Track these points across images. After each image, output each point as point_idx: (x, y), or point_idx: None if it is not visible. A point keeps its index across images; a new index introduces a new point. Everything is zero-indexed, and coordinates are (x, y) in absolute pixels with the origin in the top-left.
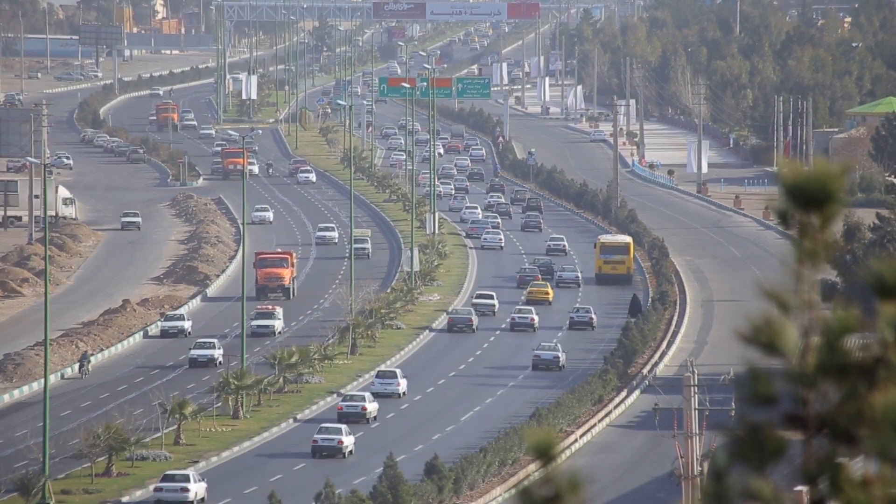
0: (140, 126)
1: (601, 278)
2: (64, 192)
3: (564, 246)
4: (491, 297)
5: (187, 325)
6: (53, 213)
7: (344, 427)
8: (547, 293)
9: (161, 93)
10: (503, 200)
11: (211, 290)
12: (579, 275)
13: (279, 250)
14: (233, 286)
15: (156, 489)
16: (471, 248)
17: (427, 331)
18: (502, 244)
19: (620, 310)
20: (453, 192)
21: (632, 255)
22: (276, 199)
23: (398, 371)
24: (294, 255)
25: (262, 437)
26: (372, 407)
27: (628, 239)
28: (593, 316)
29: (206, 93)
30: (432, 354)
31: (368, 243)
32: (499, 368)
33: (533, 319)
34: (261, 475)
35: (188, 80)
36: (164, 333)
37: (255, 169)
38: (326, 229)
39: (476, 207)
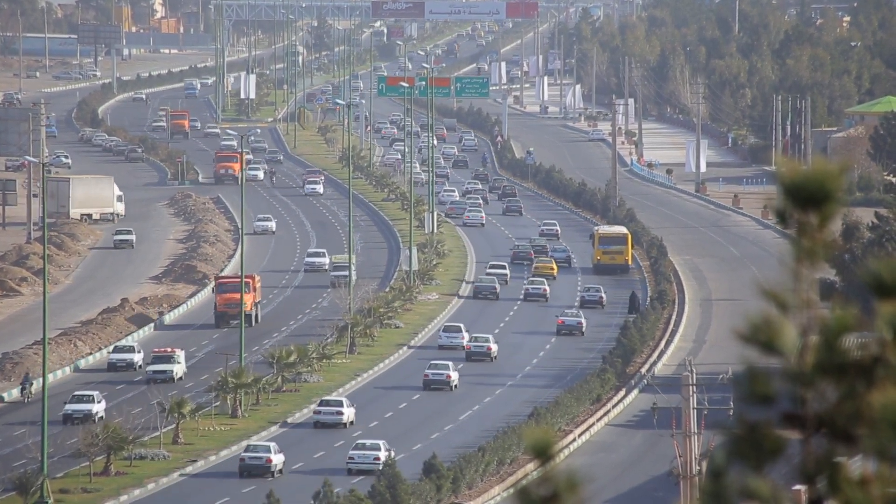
0: (139, 125)
1: (599, 268)
2: (116, 189)
3: (557, 231)
4: (504, 266)
5: (138, 357)
6: (111, 211)
7: (450, 363)
8: (552, 268)
9: (144, 97)
10: (480, 187)
11: (168, 318)
12: (571, 255)
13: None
14: (192, 315)
15: (315, 412)
16: (454, 224)
17: (456, 297)
18: (483, 221)
19: (619, 309)
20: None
21: (629, 246)
22: (283, 205)
23: (462, 325)
24: (257, 278)
25: (260, 436)
26: (495, 347)
27: (625, 230)
28: (603, 295)
29: (182, 95)
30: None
31: (352, 269)
32: (526, 334)
33: (545, 290)
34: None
35: (188, 80)
36: (112, 367)
37: (260, 174)
38: (317, 255)
39: (454, 190)
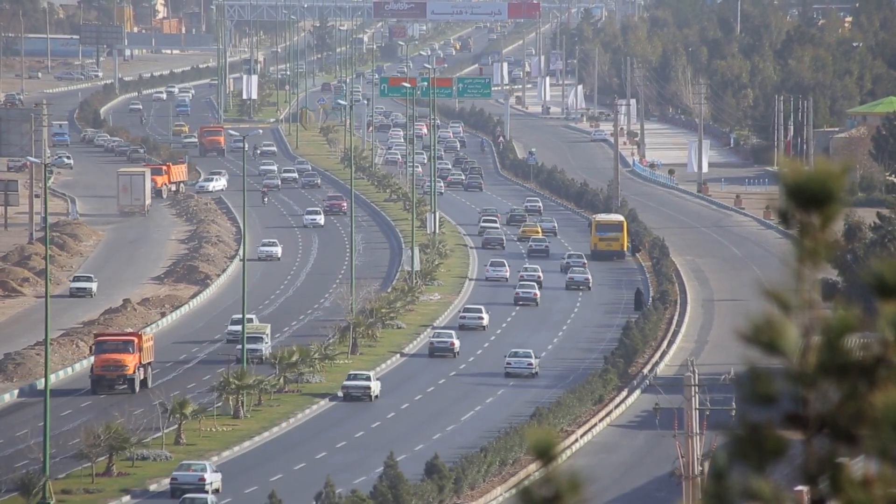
0: (141, 127)
1: (596, 254)
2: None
3: (540, 207)
4: (495, 221)
5: None
6: (148, 203)
7: (536, 283)
8: (537, 231)
9: (140, 106)
10: (450, 167)
11: (41, 384)
12: (555, 225)
13: (128, 330)
14: (77, 379)
15: (431, 339)
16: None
17: (467, 248)
18: (442, 191)
19: (621, 309)
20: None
21: (625, 233)
22: (286, 207)
23: (505, 261)
24: (145, 337)
25: (262, 437)
26: (543, 276)
27: (621, 218)
28: (586, 264)
29: (168, 101)
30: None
31: (264, 343)
32: (545, 290)
33: (547, 246)
34: (261, 475)
35: (188, 80)
36: None
37: (209, 186)
38: (240, 322)
39: (418, 166)
